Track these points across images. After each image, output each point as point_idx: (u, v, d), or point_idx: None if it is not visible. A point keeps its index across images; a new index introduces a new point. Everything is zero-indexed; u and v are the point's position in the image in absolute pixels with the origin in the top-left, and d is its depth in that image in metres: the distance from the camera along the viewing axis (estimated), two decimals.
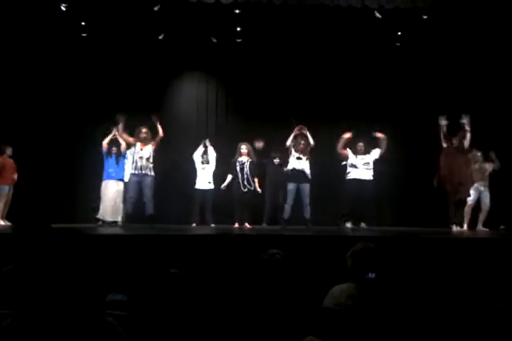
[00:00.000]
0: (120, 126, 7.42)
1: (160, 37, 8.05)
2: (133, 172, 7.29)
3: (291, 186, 7.20)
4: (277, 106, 8.56)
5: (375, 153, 7.52)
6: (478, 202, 7.42)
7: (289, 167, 7.28)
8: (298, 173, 7.19)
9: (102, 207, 7.32)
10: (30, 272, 1.59)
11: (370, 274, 2.49)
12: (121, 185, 7.45)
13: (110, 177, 7.41)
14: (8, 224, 7.21)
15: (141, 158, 7.27)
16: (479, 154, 7.47)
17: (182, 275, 2.38)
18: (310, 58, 8.50)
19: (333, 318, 2.17)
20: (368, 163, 7.48)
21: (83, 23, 7.76)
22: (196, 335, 1.98)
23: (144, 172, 7.24)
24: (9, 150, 7.33)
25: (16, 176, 7.34)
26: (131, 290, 2.39)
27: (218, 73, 8.79)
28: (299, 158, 7.23)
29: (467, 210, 7.38)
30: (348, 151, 7.53)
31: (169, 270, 2.40)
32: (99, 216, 7.30)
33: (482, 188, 7.43)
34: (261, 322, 1.95)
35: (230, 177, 7.65)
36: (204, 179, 7.75)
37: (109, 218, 7.30)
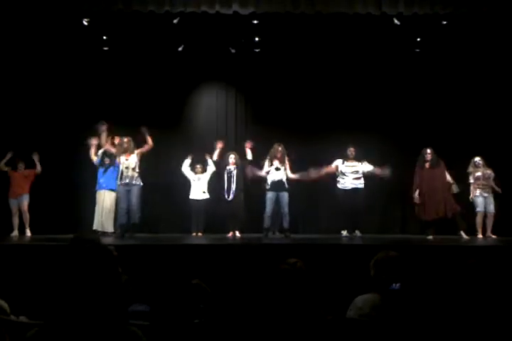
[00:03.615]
0: (103, 137, 7.28)
1: (179, 48, 8.17)
2: (120, 182, 7.18)
3: (270, 194, 7.25)
4: (297, 115, 8.56)
5: (367, 167, 7.40)
6: (484, 208, 7.33)
7: (269, 179, 7.25)
8: (277, 183, 7.23)
9: (95, 218, 7.48)
10: (57, 282, 1.61)
11: (394, 285, 2.45)
12: (112, 195, 7.54)
13: (101, 188, 7.56)
14: (29, 234, 7.43)
15: (127, 168, 7.13)
16: (479, 159, 7.36)
17: (204, 285, 2.39)
18: (328, 67, 8.49)
19: (358, 329, 2.14)
20: (358, 171, 7.38)
21: (104, 37, 7.94)
22: None
23: (131, 182, 7.10)
24: (20, 165, 7.60)
25: (22, 188, 7.52)
26: (153, 301, 2.40)
27: (237, 83, 8.85)
28: (277, 169, 7.24)
29: (478, 220, 7.28)
30: (336, 164, 7.43)
31: (191, 280, 2.41)
32: (95, 227, 7.46)
33: (486, 194, 7.36)
34: (283, 333, 1.94)
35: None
36: (198, 189, 7.80)
37: (100, 229, 7.46)
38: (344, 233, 7.41)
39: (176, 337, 2.12)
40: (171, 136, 8.50)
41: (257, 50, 8.30)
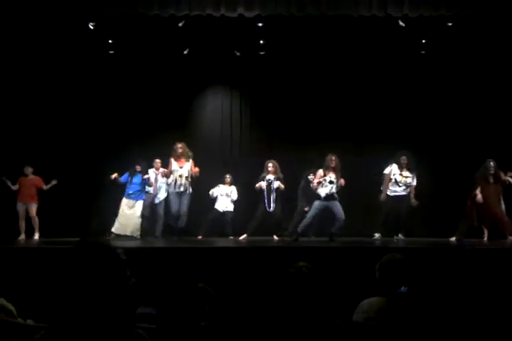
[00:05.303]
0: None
1: (185, 52, 8.20)
2: (173, 190, 7.40)
3: (317, 203, 7.03)
4: (301, 118, 8.56)
5: (414, 182, 7.34)
6: None
7: (322, 192, 6.97)
8: (329, 195, 7.01)
9: (117, 222, 7.47)
10: (63, 285, 1.62)
11: (402, 288, 2.44)
12: (138, 204, 7.58)
13: (130, 198, 7.58)
14: (37, 238, 7.46)
15: (180, 176, 7.33)
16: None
17: (209, 289, 2.39)
18: (334, 70, 8.49)
19: (363, 333, 2.13)
20: (410, 183, 7.31)
21: (110, 41, 7.98)
22: None
23: (183, 190, 7.34)
24: (28, 170, 7.59)
25: (31, 196, 7.52)
26: (160, 304, 2.40)
27: (242, 86, 8.86)
28: (331, 182, 6.95)
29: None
30: (391, 169, 7.34)
31: (197, 284, 2.41)
32: (114, 230, 7.45)
33: None
34: (289, 336, 1.93)
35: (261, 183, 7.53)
36: (223, 202, 7.81)
37: (124, 233, 7.45)
38: (377, 236, 7.37)
39: (182, 339, 2.12)
40: (176, 139, 8.49)
41: (262, 53, 8.30)
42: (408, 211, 7.39)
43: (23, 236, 7.47)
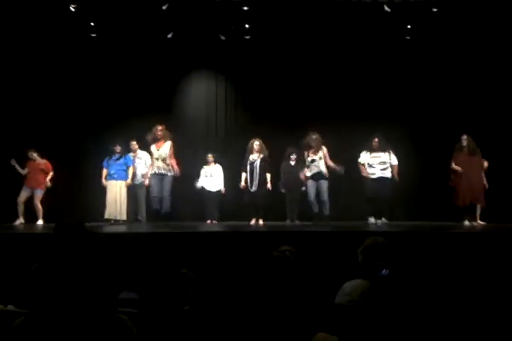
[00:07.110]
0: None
1: (169, 35, 8.07)
2: (152, 172, 7.47)
3: (310, 183, 7.34)
4: (287, 103, 8.53)
5: (394, 160, 7.47)
6: None
7: (308, 173, 7.31)
8: (316, 174, 7.31)
9: (107, 207, 7.34)
10: (47, 270, 1.60)
11: (384, 271, 2.47)
12: (122, 185, 7.43)
13: (113, 178, 7.45)
14: (41, 223, 7.28)
15: (157, 159, 7.43)
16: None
17: (191, 275, 2.39)
18: (319, 54, 8.45)
19: (345, 315, 2.16)
20: (385, 162, 7.42)
21: (92, 24, 7.81)
22: (206, 333, 1.98)
23: (162, 172, 7.42)
24: (32, 154, 7.42)
25: (37, 181, 7.34)
26: (143, 289, 2.40)
27: (227, 70, 8.78)
28: (313, 161, 7.29)
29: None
30: (363, 158, 7.50)
31: (180, 269, 2.41)
32: (107, 216, 7.32)
33: None
34: (272, 319, 1.94)
35: (244, 175, 7.51)
36: (209, 182, 7.77)
37: (113, 217, 7.33)
38: (372, 220, 7.44)
39: (165, 324, 2.12)
40: (160, 124, 8.43)
41: (247, 37, 8.22)
42: (390, 194, 7.48)
43: (20, 221, 7.23)
